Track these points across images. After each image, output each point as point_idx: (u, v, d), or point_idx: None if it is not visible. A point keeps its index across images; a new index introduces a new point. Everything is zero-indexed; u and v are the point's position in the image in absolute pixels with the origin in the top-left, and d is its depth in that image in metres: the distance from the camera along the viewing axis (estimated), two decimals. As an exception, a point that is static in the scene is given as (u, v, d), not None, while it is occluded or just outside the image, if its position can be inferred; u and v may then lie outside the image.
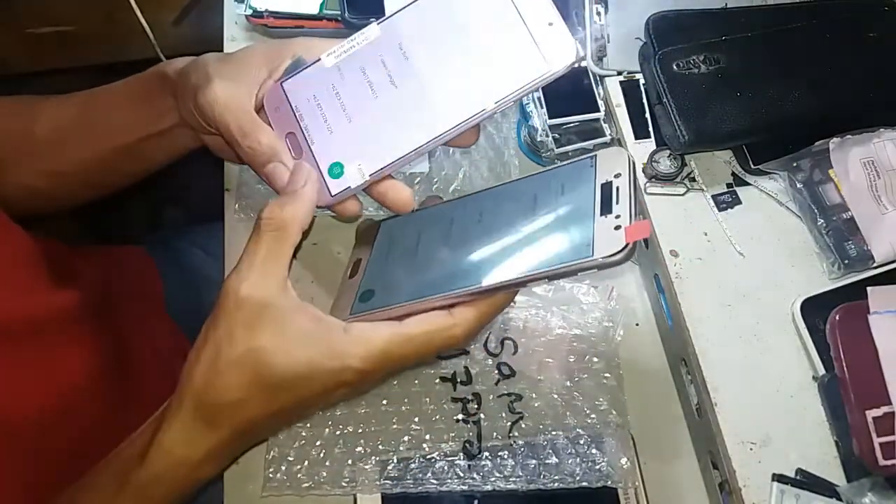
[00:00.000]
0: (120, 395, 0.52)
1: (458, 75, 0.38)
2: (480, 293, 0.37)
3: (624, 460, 0.48)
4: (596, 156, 0.38)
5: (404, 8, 0.39)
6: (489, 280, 0.36)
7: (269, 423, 0.39)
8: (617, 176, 0.36)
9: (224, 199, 0.56)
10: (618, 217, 0.35)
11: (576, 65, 0.37)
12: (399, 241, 0.43)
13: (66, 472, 0.47)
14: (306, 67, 0.41)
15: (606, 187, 0.36)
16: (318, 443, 0.48)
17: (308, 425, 0.49)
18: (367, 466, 0.47)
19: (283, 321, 0.36)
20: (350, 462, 0.48)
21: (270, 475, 0.47)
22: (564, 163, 0.40)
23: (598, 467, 0.48)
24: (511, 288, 0.37)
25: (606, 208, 0.35)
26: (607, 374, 0.51)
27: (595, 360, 0.52)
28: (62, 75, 0.95)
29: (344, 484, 0.47)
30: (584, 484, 0.47)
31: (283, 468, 0.47)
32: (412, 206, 0.42)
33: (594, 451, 0.48)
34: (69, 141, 0.50)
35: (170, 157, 0.51)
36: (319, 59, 0.41)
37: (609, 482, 0.47)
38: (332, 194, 0.40)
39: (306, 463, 0.47)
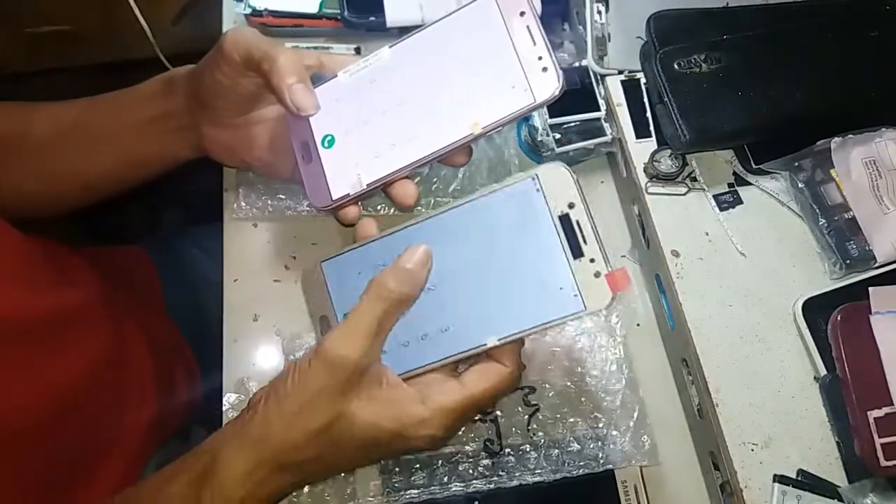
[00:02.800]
0: (119, 395, 0.52)
1: (454, 99, 0.42)
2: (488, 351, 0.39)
3: (645, 438, 0.48)
4: (538, 176, 0.38)
5: (413, 34, 0.43)
6: (497, 339, 0.39)
7: (336, 472, 0.45)
8: (571, 206, 0.38)
9: (223, 200, 0.56)
10: (592, 261, 0.37)
11: (558, 97, 0.40)
12: (360, 290, 0.42)
13: (66, 471, 0.47)
14: (325, 83, 0.45)
15: (566, 222, 0.38)
16: None
17: None
18: (392, 477, 0.47)
19: (373, 389, 0.38)
20: (376, 475, 0.47)
21: (295, 498, 0.47)
22: (504, 185, 0.39)
23: (620, 448, 0.48)
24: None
25: (576, 250, 0.37)
26: (615, 352, 0.51)
27: (601, 341, 0.52)
28: (61, 75, 0.95)
29: (371, 497, 0.47)
30: (609, 467, 0.48)
31: (306, 490, 0.47)
32: (415, 200, 0.44)
33: (614, 432, 0.49)
34: (67, 145, 0.50)
35: (167, 164, 0.51)
36: (336, 76, 0.44)
37: (633, 462, 0.48)
38: (333, 199, 0.43)
39: (331, 481, 0.47)
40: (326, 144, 0.44)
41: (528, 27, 0.40)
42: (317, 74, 0.45)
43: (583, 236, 0.37)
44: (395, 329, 0.40)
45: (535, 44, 0.40)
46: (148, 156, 0.50)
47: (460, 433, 0.49)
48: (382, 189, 0.44)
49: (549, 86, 0.40)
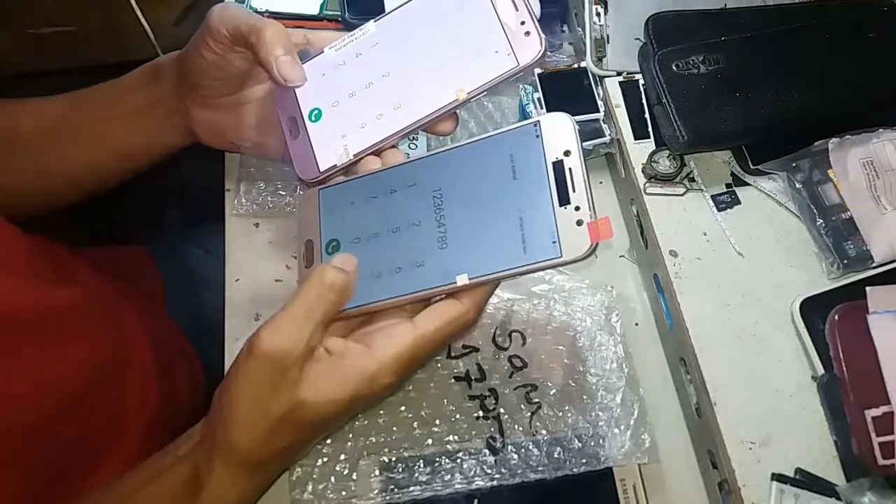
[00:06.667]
0: (120, 393, 0.52)
1: (439, 68, 0.42)
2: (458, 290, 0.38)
3: (645, 436, 0.49)
4: (539, 122, 0.38)
5: (398, 8, 0.44)
6: (468, 277, 0.38)
7: (312, 446, 0.44)
8: (567, 154, 0.37)
9: (224, 199, 0.56)
10: (577, 209, 0.36)
11: (542, 59, 0.41)
12: (348, 217, 0.42)
13: (65, 471, 0.47)
14: (311, 58, 0.45)
15: (559, 168, 0.37)
16: (341, 457, 0.48)
17: (329, 442, 0.49)
18: (394, 475, 0.47)
19: (320, 369, 0.37)
20: (377, 472, 0.48)
21: (297, 496, 0.47)
22: (507, 128, 0.39)
23: (620, 446, 0.48)
24: (485, 284, 0.38)
25: (564, 197, 0.36)
26: (615, 351, 0.52)
27: (601, 340, 0.52)
28: (62, 76, 0.95)
29: (373, 495, 0.47)
30: (610, 464, 0.48)
31: (310, 487, 0.47)
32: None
33: (615, 430, 0.49)
34: (55, 140, 0.50)
35: (156, 155, 0.51)
36: (323, 52, 0.45)
37: (633, 460, 0.48)
38: (321, 171, 0.44)
39: (332, 479, 0.47)
40: (313, 118, 0.44)
41: None
42: (304, 51, 0.46)
43: (573, 184, 0.36)
44: (370, 260, 0.40)
45: (517, 9, 0.41)
46: (137, 146, 0.50)
47: (464, 429, 0.49)
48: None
49: (532, 49, 0.40)
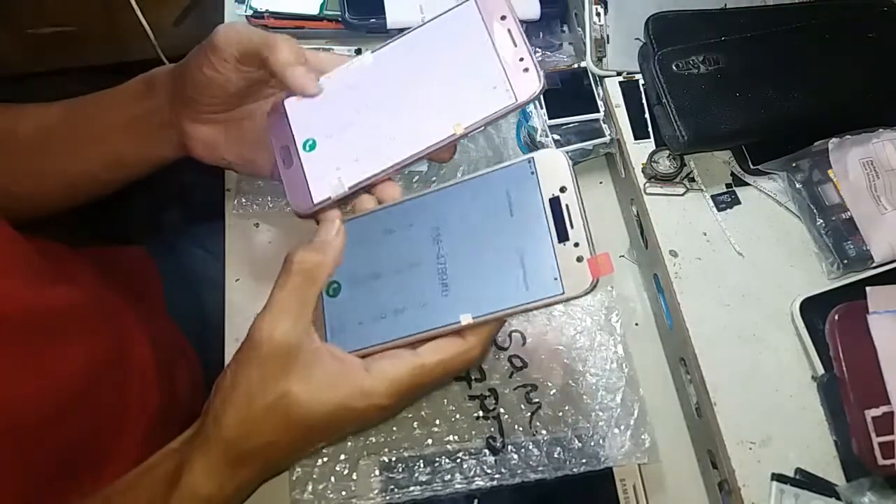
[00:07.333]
0: (120, 394, 0.52)
1: (436, 101, 0.42)
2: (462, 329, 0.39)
3: (645, 436, 0.49)
4: (534, 159, 0.39)
5: (396, 39, 0.44)
6: (472, 316, 0.38)
7: (297, 456, 0.42)
8: (563, 190, 0.37)
9: (224, 199, 0.56)
10: (577, 245, 0.36)
11: (539, 95, 0.41)
12: (349, 259, 0.42)
13: (66, 471, 0.47)
14: None
15: (555, 205, 0.37)
16: (341, 457, 0.48)
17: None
18: (394, 475, 0.47)
19: (311, 365, 0.37)
20: (377, 472, 0.48)
21: (297, 496, 0.47)
22: (502, 165, 0.40)
23: (620, 446, 0.48)
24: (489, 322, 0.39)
25: (562, 234, 0.37)
26: (615, 351, 0.52)
27: (601, 340, 0.52)
28: (62, 75, 0.95)
29: (373, 495, 0.47)
30: (610, 464, 0.48)
31: (310, 487, 0.47)
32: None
33: (615, 430, 0.49)
34: (52, 145, 0.50)
35: (150, 165, 0.51)
36: (319, 80, 0.45)
37: (633, 459, 0.48)
38: (314, 202, 0.43)
39: (332, 479, 0.47)
40: (308, 148, 0.44)
41: (509, 30, 0.42)
42: None
43: (570, 220, 0.37)
44: (373, 301, 0.40)
45: (516, 45, 0.41)
46: (131, 156, 0.50)
47: (464, 429, 0.49)
48: (366, 192, 0.44)
49: (531, 86, 0.41)
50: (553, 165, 0.38)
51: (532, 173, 0.38)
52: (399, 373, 0.38)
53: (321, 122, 0.44)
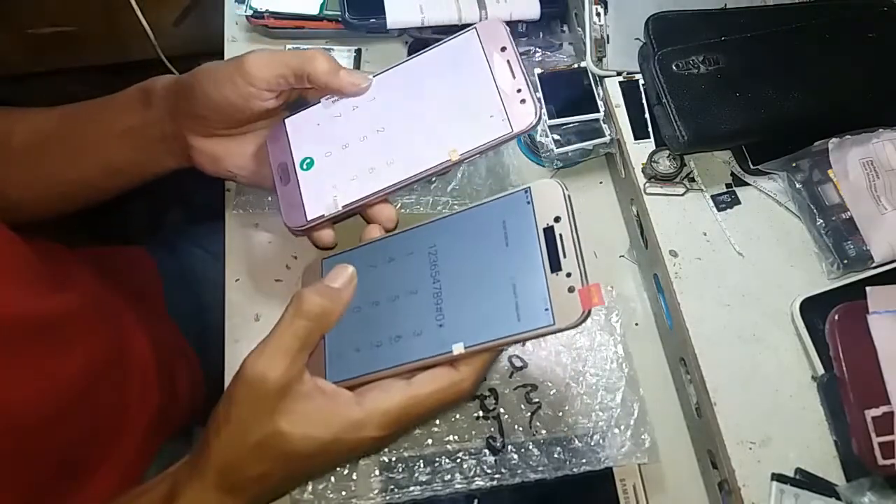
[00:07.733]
0: (120, 394, 0.52)
1: (434, 127, 0.43)
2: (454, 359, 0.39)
3: (645, 436, 0.49)
4: (530, 189, 0.39)
5: (398, 65, 0.45)
6: (464, 346, 0.38)
7: (292, 484, 0.43)
8: (557, 220, 0.37)
9: (224, 199, 0.56)
10: (569, 275, 0.36)
11: (536, 127, 0.42)
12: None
13: (66, 472, 0.47)
14: (308, 108, 0.46)
15: (549, 234, 0.37)
16: None
17: None
18: (394, 475, 0.47)
19: (304, 404, 0.38)
20: (377, 472, 0.48)
21: (297, 496, 0.47)
22: (499, 196, 0.40)
23: (620, 446, 0.48)
24: (482, 352, 0.39)
25: (555, 264, 0.37)
26: (615, 351, 0.52)
27: (601, 340, 0.52)
28: (62, 76, 0.95)
29: (373, 495, 0.47)
30: (610, 464, 0.48)
31: (309, 487, 0.47)
32: (394, 223, 0.45)
33: (615, 430, 0.49)
34: (47, 152, 0.50)
35: (149, 174, 0.51)
36: (320, 102, 0.46)
37: (633, 459, 0.48)
38: (308, 220, 0.44)
39: (332, 479, 0.47)
40: (305, 167, 0.45)
41: (508, 62, 0.42)
42: (300, 99, 0.47)
43: (563, 250, 0.37)
44: (371, 329, 0.40)
45: (514, 77, 0.42)
46: (127, 165, 0.50)
47: (464, 429, 0.49)
48: (361, 212, 0.45)
49: (527, 117, 0.42)
50: (549, 195, 0.38)
51: (528, 203, 0.39)
52: (391, 405, 0.38)
53: (320, 141, 0.45)
